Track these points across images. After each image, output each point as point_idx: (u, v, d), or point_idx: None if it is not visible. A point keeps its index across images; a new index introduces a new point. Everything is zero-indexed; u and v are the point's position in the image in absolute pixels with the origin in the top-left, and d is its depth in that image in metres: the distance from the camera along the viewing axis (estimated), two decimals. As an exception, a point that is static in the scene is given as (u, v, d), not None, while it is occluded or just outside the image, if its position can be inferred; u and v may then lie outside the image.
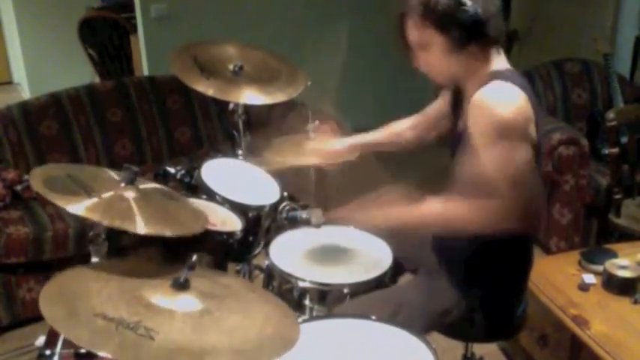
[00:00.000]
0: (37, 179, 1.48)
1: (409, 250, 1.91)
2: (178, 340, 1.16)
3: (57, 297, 1.24)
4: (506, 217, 1.53)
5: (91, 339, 1.12)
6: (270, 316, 1.32)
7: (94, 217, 1.42)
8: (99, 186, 1.52)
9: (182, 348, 1.15)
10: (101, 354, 1.10)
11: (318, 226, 1.94)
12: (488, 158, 1.53)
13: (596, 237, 3.24)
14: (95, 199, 1.46)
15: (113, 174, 1.64)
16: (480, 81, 1.61)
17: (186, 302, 1.26)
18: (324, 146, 2.09)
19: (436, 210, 1.62)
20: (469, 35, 1.56)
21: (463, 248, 1.70)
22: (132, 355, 1.10)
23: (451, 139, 1.81)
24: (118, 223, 1.42)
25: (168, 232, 1.48)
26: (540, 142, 1.65)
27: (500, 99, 1.54)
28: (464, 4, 1.53)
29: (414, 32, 1.61)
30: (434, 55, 1.62)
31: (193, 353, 1.14)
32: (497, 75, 1.60)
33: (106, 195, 1.49)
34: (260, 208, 2.01)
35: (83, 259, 1.58)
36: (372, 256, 1.93)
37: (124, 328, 1.15)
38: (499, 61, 1.65)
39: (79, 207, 1.41)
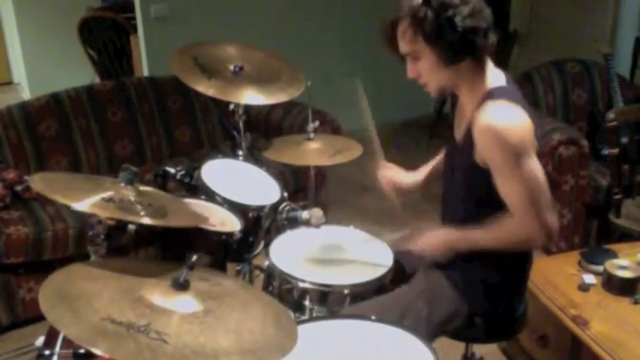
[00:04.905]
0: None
1: (410, 253, 1.91)
2: (190, 342, 1.14)
3: (56, 300, 1.19)
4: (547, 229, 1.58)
5: (106, 345, 1.08)
6: (267, 313, 1.31)
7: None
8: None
9: (196, 352, 1.12)
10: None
11: (318, 226, 1.94)
12: (519, 180, 1.55)
13: (596, 237, 3.24)
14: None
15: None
16: (477, 98, 1.61)
17: (187, 303, 1.24)
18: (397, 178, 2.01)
19: (496, 234, 1.62)
20: (459, 51, 1.55)
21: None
22: (150, 359, 1.07)
23: (448, 148, 1.82)
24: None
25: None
26: (539, 144, 1.65)
27: (507, 123, 1.54)
28: (453, 21, 1.51)
29: (405, 42, 1.60)
30: (424, 67, 1.61)
31: (208, 356, 1.12)
32: (495, 94, 1.59)
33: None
34: (260, 208, 2.01)
35: (83, 259, 1.57)
36: (373, 257, 1.92)
37: (135, 332, 1.11)
38: (494, 76, 1.64)
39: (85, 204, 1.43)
